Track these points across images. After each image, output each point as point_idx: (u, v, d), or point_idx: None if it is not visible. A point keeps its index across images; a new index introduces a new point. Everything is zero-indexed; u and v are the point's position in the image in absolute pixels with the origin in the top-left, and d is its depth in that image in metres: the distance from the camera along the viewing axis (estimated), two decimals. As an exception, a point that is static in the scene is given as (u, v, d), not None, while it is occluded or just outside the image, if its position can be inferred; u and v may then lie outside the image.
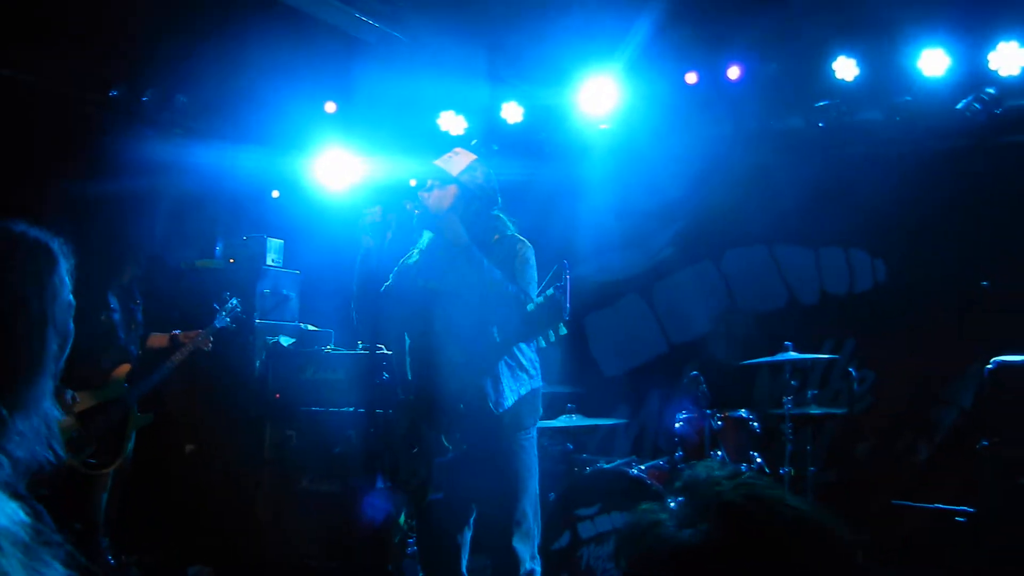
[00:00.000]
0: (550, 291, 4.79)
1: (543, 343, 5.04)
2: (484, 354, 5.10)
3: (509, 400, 5.17)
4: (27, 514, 1.46)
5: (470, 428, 5.11)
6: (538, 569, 5.33)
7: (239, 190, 9.64)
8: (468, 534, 5.40)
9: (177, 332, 7.80)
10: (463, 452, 5.12)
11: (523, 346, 5.28)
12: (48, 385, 2.19)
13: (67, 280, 2.27)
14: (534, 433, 5.40)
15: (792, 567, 1.50)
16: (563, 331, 5.28)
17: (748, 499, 1.55)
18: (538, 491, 5.40)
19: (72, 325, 2.29)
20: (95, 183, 8.24)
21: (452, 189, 5.32)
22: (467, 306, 5.15)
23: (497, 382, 5.16)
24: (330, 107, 9.61)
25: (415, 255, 5.54)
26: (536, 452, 5.40)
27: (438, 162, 5.42)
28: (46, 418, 2.16)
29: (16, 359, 2.12)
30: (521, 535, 5.22)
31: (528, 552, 5.25)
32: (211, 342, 7.79)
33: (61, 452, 2.17)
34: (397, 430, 5.42)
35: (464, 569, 5.40)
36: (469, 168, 5.39)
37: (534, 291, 5.20)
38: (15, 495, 1.49)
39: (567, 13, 8.28)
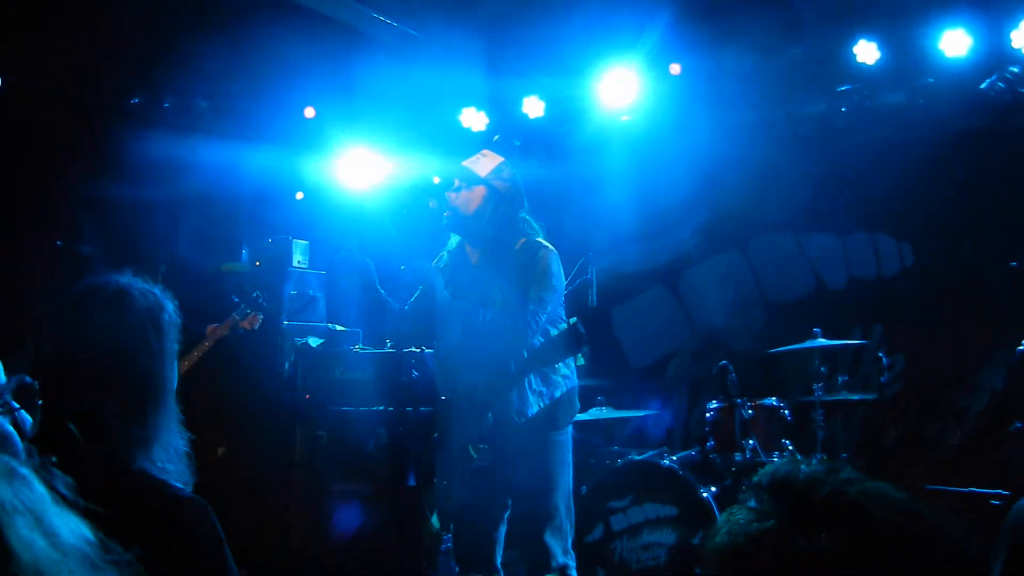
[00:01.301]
0: (572, 319, 4.84)
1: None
2: (508, 371, 5.13)
3: (533, 408, 5.20)
4: (91, 531, 1.48)
5: (497, 437, 5.14)
6: (572, 564, 5.33)
7: (263, 192, 9.66)
8: (503, 529, 5.41)
9: (212, 325, 7.86)
10: (492, 458, 5.16)
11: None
12: (173, 410, 2.58)
13: (174, 321, 2.63)
14: (569, 429, 5.42)
15: (916, 566, 1.47)
16: (581, 361, 5.34)
17: (866, 498, 1.52)
18: (571, 487, 5.40)
19: (176, 364, 2.65)
20: (118, 190, 8.27)
21: (480, 190, 5.31)
22: (490, 326, 5.17)
23: (522, 392, 5.18)
24: (350, 107, 9.63)
25: (444, 257, 5.54)
26: (571, 447, 5.42)
27: (466, 163, 5.42)
28: (173, 440, 2.56)
29: (146, 389, 2.50)
30: (553, 529, 5.23)
31: (560, 547, 5.26)
32: (226, 330, 7.83)
33: (186, 469, 2.59)
34: (432, 432, 5.47)
35: (499, 564, 5.41)
36: (497, 170, 5.39)
37: (554, 299, 5.23)
38: (79, 511, 1.51)
39: (586, 5, 8.27)
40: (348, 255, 5.02)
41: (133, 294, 2.57)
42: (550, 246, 5.35)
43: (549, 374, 5.27)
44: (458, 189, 5.33)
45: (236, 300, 7.95)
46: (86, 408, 2.39)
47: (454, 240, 5.52)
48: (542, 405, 5.21)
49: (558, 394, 5.28)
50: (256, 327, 7.94)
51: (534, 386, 5.20)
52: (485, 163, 5.39)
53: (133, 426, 2.44)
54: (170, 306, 2.64)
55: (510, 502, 5.38)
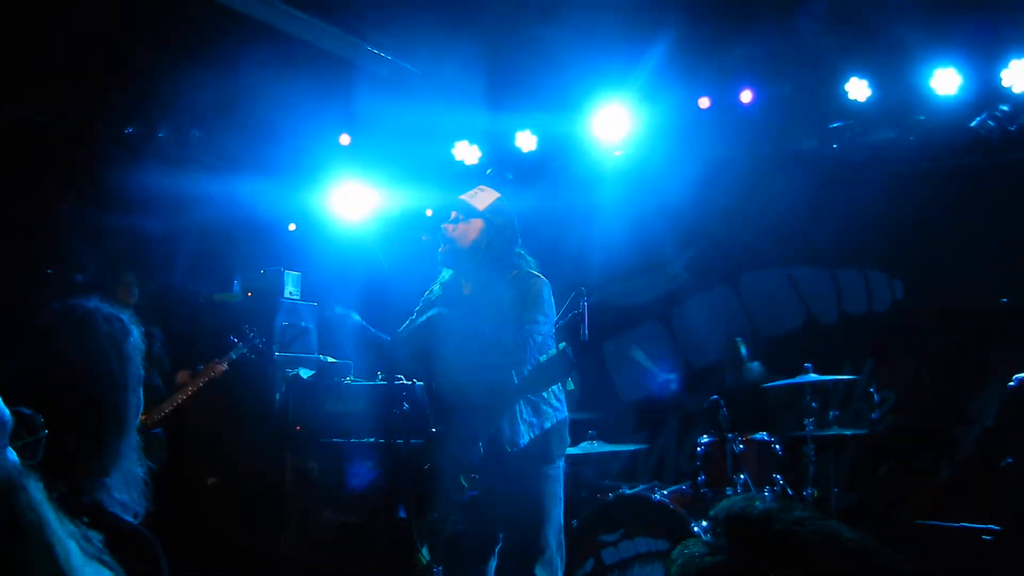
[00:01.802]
0: (562, 344, 4.83)
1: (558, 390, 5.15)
2: (500, 396, 5.12)
3: (524, 438, 5.18)
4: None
5: (489, 467, 5.14)
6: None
7: (256, 223, 9.67)
8: (494, 563, 5.38)
9: (200, 368, 7.84)
10: (478, 487, 5.15)
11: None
12: (133, 441, 2.50)
13: (138, 348, 2.56)
14: (560, 463, 5.38)
15: None
16: (571, 386, 5.33)
17: (817, 537, 1.53)
18: (562, 521, 5.38)
19: (141, 392, 2.58)
20: (112, 219, 8.29)
21: (477, 224, 5.34)
22: (482, 348, 5.17)
23: (514, 421, 5.17)
24: (344, 139, 9.65)
25: (437, 290, 5.55)
26: (562, 481, 5.38)
27: (464, 196, 5.44)
28: (133, 472, 2.48)
29: (107, 417, 2.43)
30: (543, 563, 5.20)
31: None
32: (224, 367, 7.83)
33: (144, 502, 2.49)
34: (422, 463, 5.44)
35: None
36: (494, 204, 5.41)
37: (544, 326, 5.23)
38: (104, 563, 1.50)
39: (580, 41, 8.31)
40: (334, 317, 5.04)
41: (97, 319, 2.52)
42: (542, 277, 5.37)
43: (540, 404, 5.25)
44: (455, 221, 5.35)
45: (235, 340, 7.96)
46: (47, 438, 2.27)
47: (447, 273, 5.54)
48: (533, 435, 5.19)
49: (548, 425, 5.25)
50: (218, 376, 7.91)
51: (525, 416, 5.19)
52: (483, 197, 5.42)
53: (93, 455, 2.39)
54: (136, 332, 2.59)
55: (501, 536, 5.36)
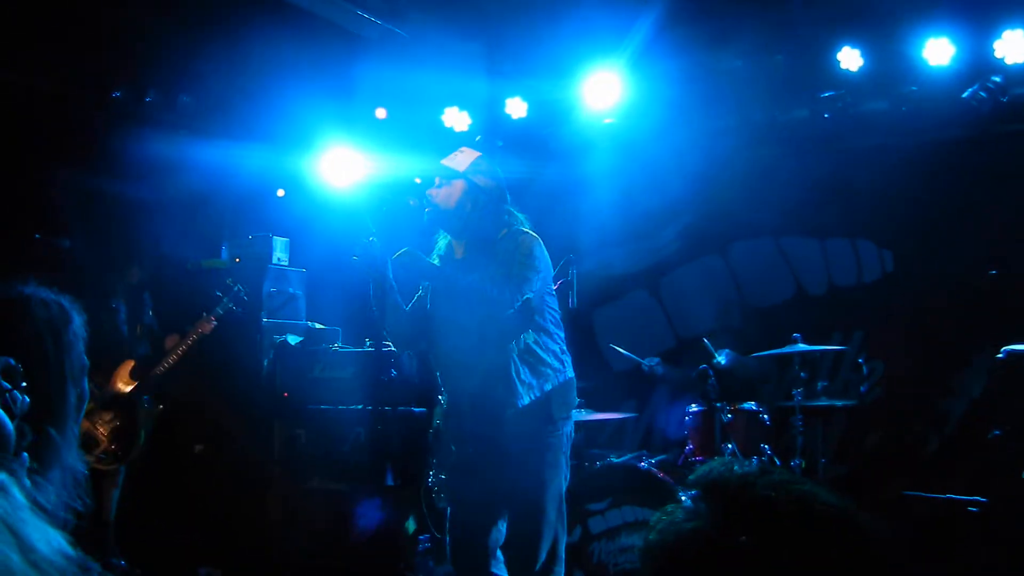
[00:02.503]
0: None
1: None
2: (492, 356, 5.12)
3: (524, 399, 5.16)
4: (71, 544, 1.43)
5: (486, 431, 5.13)
6: (557, 570, 5.29)
7: (244, 189, 9.62)
8: (495, 535, 5.33)
9: (188, 328, 7.81)
10: (478, 454, 5.16)
11: (546, 339, 5.30)
12: (72, 434, 2.34)
13: (81, 335, 2.43)
14: (565, 428, 5.35)
15: (830, 567, 1.46)
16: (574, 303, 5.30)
17: (790, 502, 1.51)
18: (563, 490, 5.35)
19: (86, 380, 2.45)
20: (100, 185, 8.24)
21: (459, 184, 5.35)
22: (470, 305, 5.16)
23: (509, 382, 5.15)
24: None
25: (435, 261, 5.53)
26: (565, 448, 5.35)
27: (445, 160, 5.44)
28: (71, 466, 2.30)
29: (41, 413, 2.23)
30: (541, 537, 5.19)
31: (546, 549, 5.22)
32: (212, 324, 7.79)
33: (88, 500, 2.30)
34: (425, 430, 5.47)
35: (494, 569, 5.34)
36: (475, 163, 5.41)
37: (537, 280, 5.23)
38: (55, 521, 1.47)
39: (571, 7, 8.27)
40: (368, 249, 4.98)
41: (33, 304, 2.39)
42: (532, 233, 5.36)
43: (537, 364, 5.23)
44: (439, 185, 5.36)
45: (219, 295, 7.92)
46: None
47: (443, 243, 5.53)
48: (533, 397, 5.17)
49: (548, 387, 5.23)
50: (207, 332, 7.86)
51: (523, 377, 5.17)
52: (462, 158, 5.43)
53: (23, 448, 2.19)
54: (77, 319, 2.46)
55: (502, 507, 5.33)
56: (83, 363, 2.44)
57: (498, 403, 5.14)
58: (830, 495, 1.54)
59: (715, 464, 1.64)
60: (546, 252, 5.39)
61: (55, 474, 2.24)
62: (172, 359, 7.61)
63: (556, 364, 5.33)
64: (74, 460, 2.32)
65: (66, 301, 2.44)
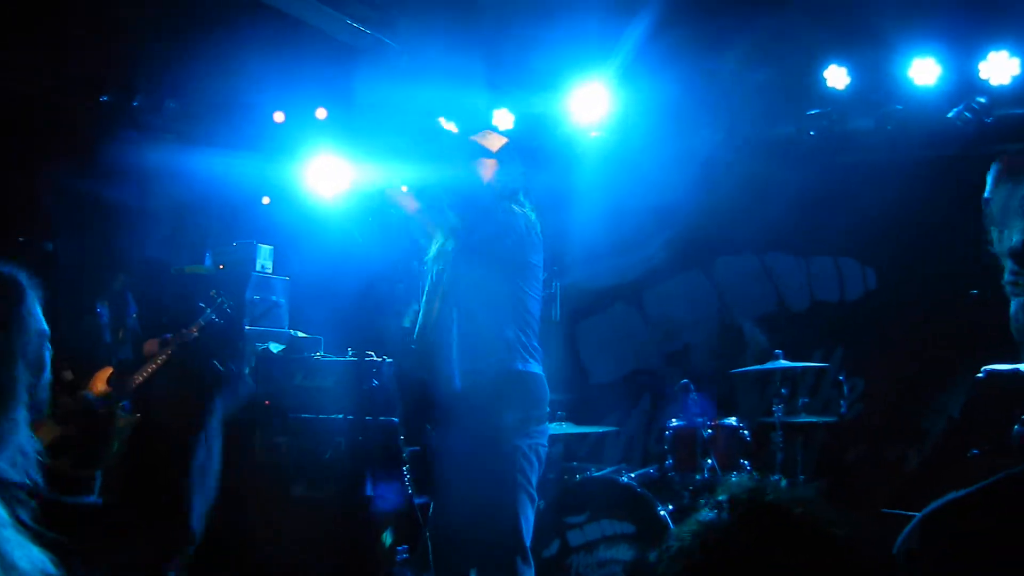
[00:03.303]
0: None
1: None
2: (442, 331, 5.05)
3: (456, 379, 5.02)
4: (52, 562, 1.42)
5: (442, 416, 5.08)
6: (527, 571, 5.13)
7: (229, 196, 9.61)
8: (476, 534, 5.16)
9: (168, 336, 7.78)
10: (442, 447, 5.08)
11: (501, 323, 5.09)
12: (21, 416, 2.22)
13: (36, 310, 2.33)
14: (528, 433, 5.02)
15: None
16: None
17: (815, 520, 1.51)
18: (529, 514, 5.04)
19: (47, 354, 2.37)
20: (86, 188, 8.22)
21: (492, 164, 5.40)
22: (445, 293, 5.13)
23: (448, 360, 5.04)
24: (321, 113, 9.58)
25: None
26: (529, 463, 5.00)
27: (475, 138, 5.49)
28: (22, 448, 2.19)
29: None
30: (500, 546, 5.04)
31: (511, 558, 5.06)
32: (195, 331, 7.75)
33: (39, 480, 2.17)
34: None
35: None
36: (507, 147, 5.62)
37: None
38: (40, 541, 1.45)
39: (558, 20, 8.28)
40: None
41: None
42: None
43: (477, 348, 5.04)
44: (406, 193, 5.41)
45: (202, 306, 7.89)
46: None
47: (435, 247, 5.49)
48: (472, 382, 5.01)
49: (492, 374, 5.00)
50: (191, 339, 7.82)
51: (455, 359, 5.04)
52: (495, 139, 5.66)
53: None
54: (30, 294, 2.37)
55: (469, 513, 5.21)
56: (41, 334, 2.37)
57: (442, 380, 5.06)
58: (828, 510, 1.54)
59: (744, 479, 1.63)
60: (518, 224, 5.33)
61: (3, 454, 2.14)
62: (150, 368, 7.58)
63: (505, 352, 5.04)
64: (25, 438, 2.23)
65: (22, 276, 2.36)
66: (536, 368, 5.16)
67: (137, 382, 7.53)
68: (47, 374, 2.41)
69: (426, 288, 5.32)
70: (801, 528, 1.49)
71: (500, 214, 5.26)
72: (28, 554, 1.34)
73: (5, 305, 2.28)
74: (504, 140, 5.46)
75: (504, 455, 4.98)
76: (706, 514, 1.55)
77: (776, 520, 1.51)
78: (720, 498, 1.57)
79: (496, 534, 4.99)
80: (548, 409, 5.28)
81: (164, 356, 7.63)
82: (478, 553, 5.13)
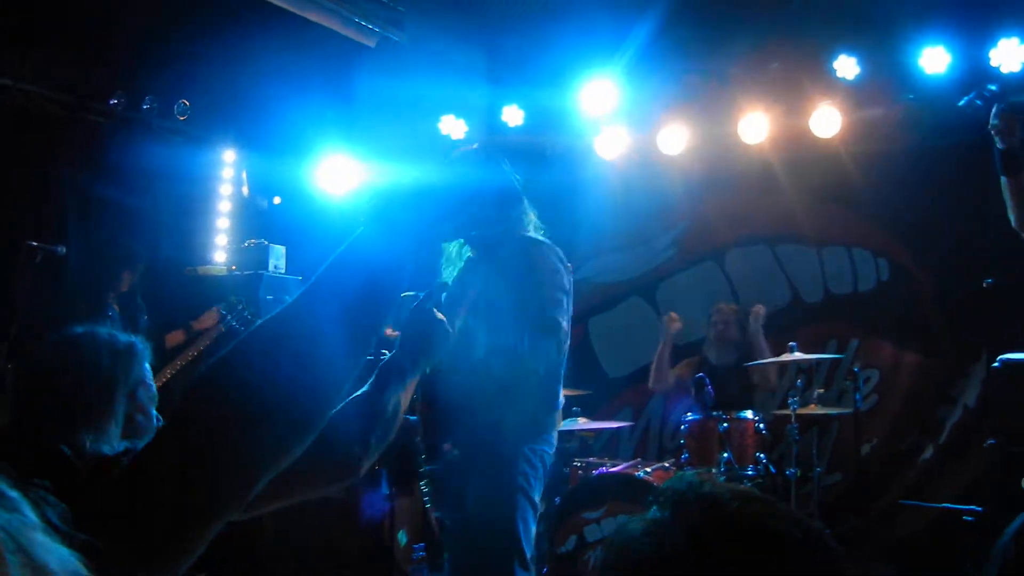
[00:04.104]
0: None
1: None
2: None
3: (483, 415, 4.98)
4: (83, 565, 1.41)
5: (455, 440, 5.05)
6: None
7: (241, 196, 9.62)
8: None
9: (191, 323, 7.76)
10: (455, 460, 5.03)
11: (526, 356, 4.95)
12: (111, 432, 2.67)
13: (147, 368, 2.84)
14: (530, 450, 5.05)
15: None
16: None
17: (753, 518, 1.49)
18: (518, 506, 4.98)
19: (153, 408, 2.87)
20: (97, 190, 8.23)
21: None
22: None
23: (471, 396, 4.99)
24: (331, 113, 9.61)
25: (447, 268, 5.47)
26: (532, 468, 5.03)
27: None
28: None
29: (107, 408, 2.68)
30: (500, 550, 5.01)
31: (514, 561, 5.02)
32: (215, 337, 7.74)
33: None
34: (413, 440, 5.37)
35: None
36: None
37: (567, 301, 5.05)
38: (70, 542, 1.44)
39: (567, 15, 8.28)
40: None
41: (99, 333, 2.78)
42: (545, 240, 5.25)
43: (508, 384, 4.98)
44: None
45: (223, 313, 7.89)
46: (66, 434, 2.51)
47: (454, 248, 5.40)
48: (477, 383, 4.94)
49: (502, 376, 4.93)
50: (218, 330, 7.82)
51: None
52: None
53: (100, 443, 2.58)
54: (144, 355, 2.85)
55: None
56: (150, 392, 2.85)
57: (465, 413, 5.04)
58: (796, 515, 1.51)
59: (685, 477, 1.59)
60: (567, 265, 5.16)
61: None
62: (178, 364, 7.55)
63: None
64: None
65: (137, 341, 2.84)
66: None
67: (167, 377, 7.51)
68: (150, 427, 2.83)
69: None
70: (738, 521, 1.46)
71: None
72: (59, 556, 1.33)
73: (127, 366, 2.77)
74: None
75: (506, 458, 4.99)
76: (653, 512, 1.53)
77: (712, 513, 1.48)
78: (660, 494, 1.55)
79: (494, 537, 4.95)
80: (556, 416, 5.26)
81: (192, 355, 7.60)
82: (476, 557, 5.08)
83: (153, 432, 2.72)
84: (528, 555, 4.98)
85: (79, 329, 2.79)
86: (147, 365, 2.86)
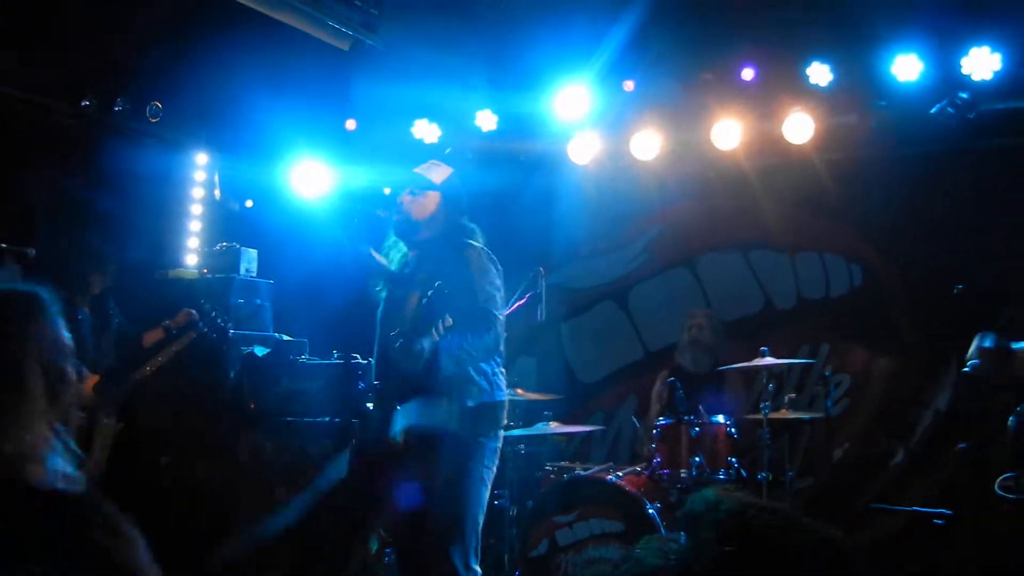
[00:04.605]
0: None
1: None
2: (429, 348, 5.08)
3: (455, 404, 5.14)
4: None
5: (410, 440, 5.13)
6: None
7: (212, 199, 9.58)
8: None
9: (167, 322, 7.71)
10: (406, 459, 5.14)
11: (480, 362, 5.24)
12: (38, 420, 2.31)
13: (57, 322, 2.43)
14: (488, 444, 5.28)
15: None
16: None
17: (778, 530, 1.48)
18: (481, 499, 5.25)
19: (69, 367, 2.44)
20: (68, 191, 8.18)
21: (434, 197, 5.41)
22: (405, 318, 5.15)
23: (447, 381, 5.12)
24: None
25: (391, 269, 5.55)
26: (488, 461, 5.27)
27: (419, 170, 5.50)
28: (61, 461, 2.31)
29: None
30: (451, 539, 5.14)
31: (460, 560, 5.16)
32: (187, 342, 7.70)
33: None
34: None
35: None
36: (450, 178, 5.50)
37: (500, 299, 5.29)
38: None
39: (541, 21, 8.29)
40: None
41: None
42: (481, 246, 5.39)
43: (466, 384, 5.19)
44: (412, 194, 5.39)
45: (195, 319, 7.86)
46: None
47: (396, 254, 5.55)
48: (453, 412, 5.13)
49: (471, 403, 5.18)
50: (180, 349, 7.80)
51: (452, 394, 5.16)
52: (438, 172, 5.50)
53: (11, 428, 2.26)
54: (51, 309, 2.46)
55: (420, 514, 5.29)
56: (63, 343, 2.44)
57: (420, 416, 5.13)
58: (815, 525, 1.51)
59: (704, 497, 1.59)
60: (495, 263, 5.38)
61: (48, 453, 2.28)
62: (156, 364, 7.49)
63: (484, 385, 5.27)
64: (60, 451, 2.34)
65: (42, 292, 2.46)
66: (502, 395, 5.38)
67: (145, 374, 7.44)
68: (72, 387, 2.46)
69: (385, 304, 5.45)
70: (758, 537, 1.46)
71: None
72: None
73: (28, 323, 2.38)
74: (450, 170, 5.51)
75: (474, 455, 5.21)
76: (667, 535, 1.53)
77: (732, 531, 1.48)
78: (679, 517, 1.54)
79: (450, 522, 5.15)
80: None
81: (152, 367, 7.56)
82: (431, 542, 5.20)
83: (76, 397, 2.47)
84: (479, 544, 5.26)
85: None
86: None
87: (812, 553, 1.45)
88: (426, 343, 4.93)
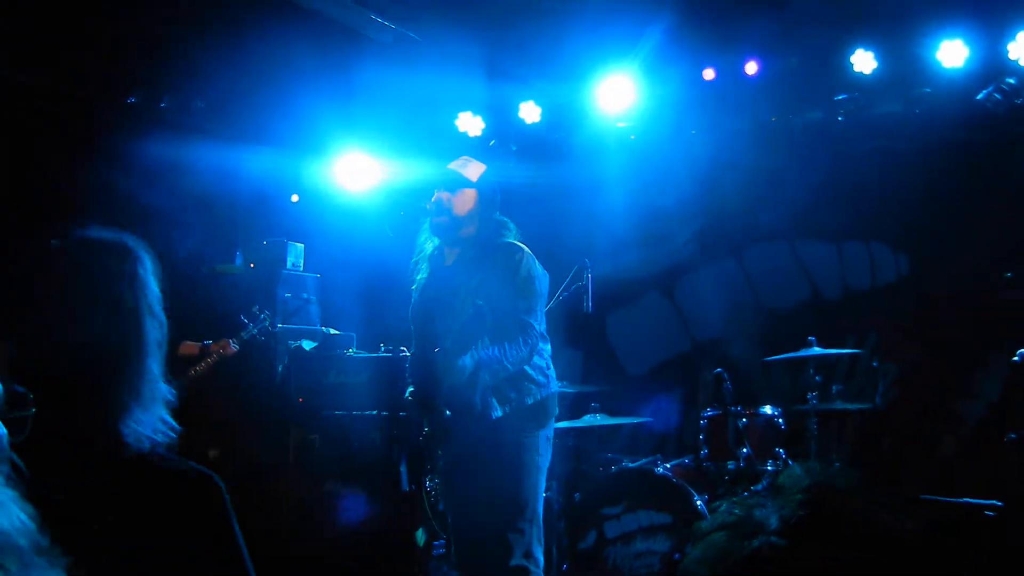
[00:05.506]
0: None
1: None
2: (471, 365, 5.13)
3: (497, 411, 5.21)
4: (32, 520, 1.43)
5: (464, 437, 5.17)
6: (533, 569, 5.24)
7: (259, 194, 9.64)
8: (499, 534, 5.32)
9: (208, 342, 7.79)
10: (458, 456, 5.19)
11: (534, 357, 5.32)
12: (154, 370, 2.35)
13: (151, 273, 2.44)
14: (542, 433, 5.37)
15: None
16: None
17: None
18: (539, 492, 5.37)
19: (163, 314, 2.46)
20: (115, 188, 8.25)
21: (471, 194, 5.43)
22: (460, 314, 5.19)
23: (486, 395, 5.18)
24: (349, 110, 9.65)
25: (424, 267, 5.59)
26: (543, 450, 5.37)
27: (454, 166, 5.50)
28: (156, 399, 2.33)
29: (122, 351, 2.28)
30: (514, 529, 5.19)
31: (520, 549, 5.20)
32: (235, 349, 7.78)
33: (175, 426, 2.38)
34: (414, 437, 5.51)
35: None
36: (485, 174, 5.53)
37: (540, 305, 5.36)
38: (25, 499, 1.46)
39: (584, 11, 8.27)
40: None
41: (102, 254, 2.39)
42: (526, 248, 5.43)
43: (521, 381, 5.27)
44: (452, 191, 5.41)
45: (245, 321, 7.93)
46: (61, 387, 2.18)
47: (430, 246, 5.58)
48: (508, 410, 5.22)
49: (530, 401, 5.28)
50: (227, 355, 7.86)
51: (504, 391, 5.20)
52: (474, 168, 5.55)
53: (114, 396, 2.23)
54: (146, 258, 2.46)
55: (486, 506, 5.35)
56: (157, 295, 2.44)
57: (472, 412, 5.16)
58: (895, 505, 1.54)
59: (792, 472, 1.61)
60: (539, 267, 5.43)
61: (141, 407, 2.27)
62: (190, 374, 7.59)
63: (541, 379, 5.37)
64: (158, 391, 2.34)
65: (133, 242, 2.44)
66: (556, 386, 5.51)
67: (192, 376, 7.53)
68: (166, 326, 2.47)
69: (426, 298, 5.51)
70: (839, 515, 1.48)
71: None
72: (7, 512, 1.36)
73: (128, 269, 2.36)
74: (483, 167, 5.53)
75: (529, 447, 5.33)
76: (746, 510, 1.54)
77: (812, 509, 1.50)
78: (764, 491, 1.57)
79: (512, 514, 5.25)
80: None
81: (204, 365, 7.64)
82: (488, 537, 5.30)
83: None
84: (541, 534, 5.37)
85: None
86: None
87: (876, 540, 1.47)
88: (468, 360, 5.07)
